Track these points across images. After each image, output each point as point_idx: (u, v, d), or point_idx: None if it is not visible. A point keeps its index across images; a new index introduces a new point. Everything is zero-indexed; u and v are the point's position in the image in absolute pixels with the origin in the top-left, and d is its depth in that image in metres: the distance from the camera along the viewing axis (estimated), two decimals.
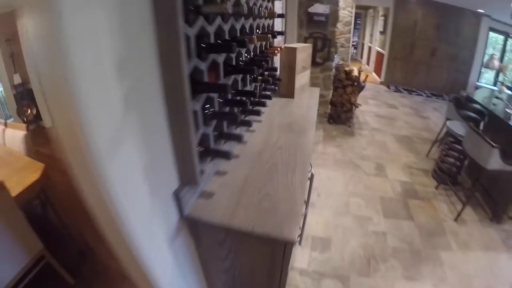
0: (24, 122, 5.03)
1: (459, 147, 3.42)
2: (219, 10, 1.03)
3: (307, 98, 2.51)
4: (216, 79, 1.19)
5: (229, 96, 1.31)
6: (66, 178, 0.78)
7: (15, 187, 2.13)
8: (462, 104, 4.13)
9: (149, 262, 0.93)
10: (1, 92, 5.58)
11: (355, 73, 4.97)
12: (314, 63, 4.72)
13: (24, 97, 5.48)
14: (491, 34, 7.05)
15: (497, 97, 4.33)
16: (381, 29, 9.39)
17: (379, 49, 9.59)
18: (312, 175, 1.93)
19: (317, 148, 4.44)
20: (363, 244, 2.77)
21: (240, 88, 1.49)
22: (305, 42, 4.56)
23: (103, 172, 0.68)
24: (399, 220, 3.12)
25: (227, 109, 1.29)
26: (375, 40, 10.21)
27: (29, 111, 5.21)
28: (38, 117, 5.25)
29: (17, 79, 5.49)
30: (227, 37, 1.22)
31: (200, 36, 0.99)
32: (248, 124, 1.58)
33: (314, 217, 3.06)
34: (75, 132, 0.62)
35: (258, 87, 1.81)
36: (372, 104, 6.99)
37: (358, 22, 13.06)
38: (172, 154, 1.01)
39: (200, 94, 1.03)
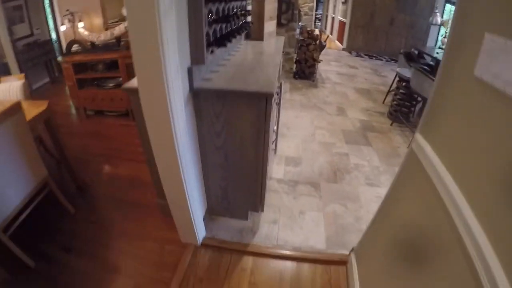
0: None
1: (408, 87, 4.09)
2: None
3: (274, 42, 3.15)
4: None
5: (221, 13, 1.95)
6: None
7: None
8: (412, 57, 4.88)
9: (173, 109, 1.47)
10: None
11: (316, 32, 5.61)
12: (279, 24, 5.27)
13: (0, 71, 5.54)
14: (447, 5, 7.65)
15: (440, 48, 5.17)
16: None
17: (341, 18, 10.22)
18: (281, 84, 2.58)
19: (284, 96, 5.04)
20: (329, 161, 3.30)
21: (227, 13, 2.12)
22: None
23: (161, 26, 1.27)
24: (359, 145, 3.68)
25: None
26: (338, 11, 10.85)
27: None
28: None
29: None
30: None
31: None
32: (233, 35, 2.17)
33: (286, 143, 3.62)
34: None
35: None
36: (334, 66, 7.65)
37: None
38: (188, 41, 1.63)
39: (207, 4, 1.65)
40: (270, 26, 3.22)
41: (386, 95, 5.15)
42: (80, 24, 4.54)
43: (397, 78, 4.61)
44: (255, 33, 3.03)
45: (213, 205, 2.30)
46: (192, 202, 1.89)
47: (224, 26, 2.02)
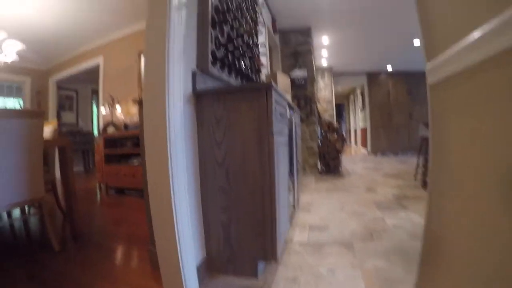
0: None
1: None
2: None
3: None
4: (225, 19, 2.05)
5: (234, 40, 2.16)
6: None
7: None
8: None
9: (168, 106, 1.46)
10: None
11: (336, 124, 5.84)
12: (300, 119, 5.56)
13: None
14: None
15: None
16: (361, 106, 10.62)
17: (362, 125, 10.68)
18: (288, 103, 2.62)
19: (309, 186, 4.93)
20: (362, 224, 2.85)
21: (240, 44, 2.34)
22: None
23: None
24: (395, 210, 3.28)
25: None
26: (358, 120, 11.41)
27: None
28: None
29: None
30: None
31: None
32: (242, 71, 2.35)
33: (310, 216, 3.21)
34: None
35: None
36: (360, 164, 7.64)
37: (344, 115, 14.55)
38: (196, 45, 1.81)
39: (215, 25, 1.88)
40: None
41: (416, 170, 4.97)
42: (118, 108, 5.03)
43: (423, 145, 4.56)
44: None
45: (212, 253, 1.89)
46: (183, 240, 1.52)
47: (235, 49, 2.21)
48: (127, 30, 5.21)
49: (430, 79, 1.28)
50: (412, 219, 2.96)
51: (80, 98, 7.61)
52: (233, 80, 2.28)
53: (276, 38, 5.31)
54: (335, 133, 5.70)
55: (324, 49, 7.08)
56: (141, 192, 4.28)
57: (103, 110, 5.34)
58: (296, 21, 5.27)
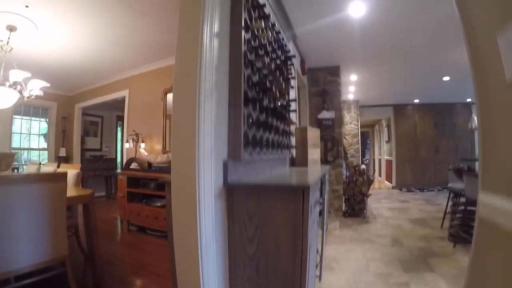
0: None
1: (463, 199, 3.80)
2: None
3: (319, 168, 3.18)
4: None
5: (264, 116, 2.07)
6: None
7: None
8: (462, 172, 4.66)
9: (201, 205, 1.45)
10: (46, 158, 6.63)
11: (363, 167, 5.65)
12: (326, 161, 5.44)
13: None
14: None
15: None
16: (386, 138, 10.37)
17: (387, 157, 10.38)
18: (322, 184, 2.49)
19: (334, 233, 4.78)
20: None
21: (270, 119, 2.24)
22: None
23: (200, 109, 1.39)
24: (420, 273, 3.14)
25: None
26: (383, 151, 11.12)
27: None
28: None
29: (62, 152, 6.59)
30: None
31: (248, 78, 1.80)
32: (273, 145, 2.24)
33: (335, 276, 3.12)
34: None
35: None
36: (385, 202, 7.33)
37: (368, 142, 14.26)
38: (227, 136, 1.71)
39: (247, 104, 1.79)
40: (314, 152, 3.32)
41: (443, 219, 4.77)
42: (142, 145, 5.03)
43: (451, 196, 4.37)
44: (299, 159, 3.11)
45: None
46: None
47: (266, 131, 2.11)
48: (152, 66, 5.25)
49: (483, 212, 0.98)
50: (437, 286, 2.81)
51: (104, 124, 7.70)
52: (265, 156, 2.18)
53: (304, 78, 5.21)
54: (361, 177, 5.51)
55: (352, 86, 6.94)
56: (164, 233, 4.23)
57: (127, 145, 5.34)
58: (324, 59, 5.16)
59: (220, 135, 1.63)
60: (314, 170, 2.94)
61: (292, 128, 3.30)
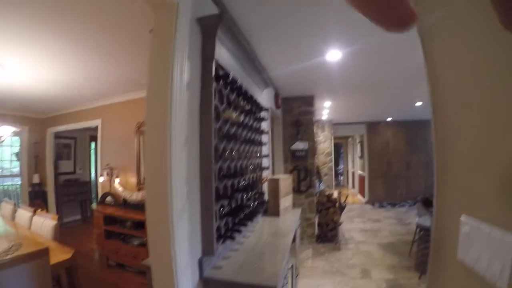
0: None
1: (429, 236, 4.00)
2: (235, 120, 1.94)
3: (290, 216, 3.31)
4: (227, 194, 2.04)
5: (234, 205, 2.14)
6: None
7: None
8: (430, 202, 4.90)
9: None
10: (19, 185, 6.51)
11: (335, 195, 5.82)
12: (299, 191, 5.60)
13: (38, 196, 6.34)
14: None
15: None
16: (359, 154, 10.65)
17: (360, 172, 10.68)
18: (293, 266, 2.60)
19: (306, 264, 4.93)
20: None
21: (239, 203, 2.33)
22: (290, 173, 5.48)
23: (172, 228, 1.46)
24: None
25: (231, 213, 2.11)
26: (356, 165, 11.43)
27: (39, 210, 5.65)
28: None
29: (36, 179, 6.46)
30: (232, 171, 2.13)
31: (220, 169, 1.88)
32: (245, 224, 2.36)
33: None
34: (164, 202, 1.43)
35: (252, 204, 2.65)
36: (358, 222, 7.58)
37: (341, 151, 14.55)
38: (200, 233, 1.78)
39: (218, 201, 1.87)
40: (286, 201, 3.43)
41: (411, 247, 5.02)
42: (117, 180, 5.00)
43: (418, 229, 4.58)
44: (272, 209, 3.21)
45: None
46: None
47: (235, 218, 2.19)
48: (123, 98, 5.23)
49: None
50: None
51: (78, 145, 7.56)
52: (239, 237, 2.27)
53: (279, 111, 5.32)
54: (333, 206, 5.69)
55: (326, 109, 7.11)
56: (143, 271, 4.24)
57: (101, 179, 5.30)
58: (299, 90, 5.26)
59: (194, 231, 1.71)
60: (286, 220, 3.09)
61: (264, 176, 3.41)
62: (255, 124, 2.84)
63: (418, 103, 6.66)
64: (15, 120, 6.13)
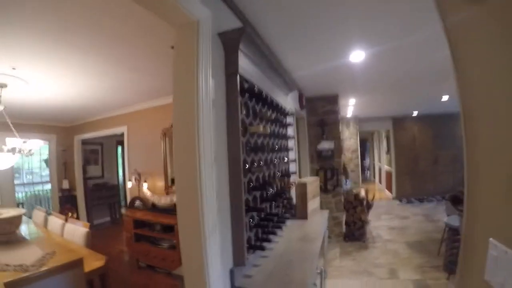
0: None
1: (459, 236, 3.87)
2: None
3: (318, 218, 3.29)
4: (256, 205, 2.06)
5: (263, 215, 2.16)
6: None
7: None
8: (459, 199, 4.73)
9: None
10: (49, 191, 6.78)
11: (362, 194, 5.75)
12: (326, 190, 5.56)
13: (68, 201, 6.54)
14: None
15: None
16: (385, 150, 10.45)
17: (387, 168, 10.48)
18: (321, 270, 2.60)
19: (333, 263, 4.90)
20: None
21: (269, 211, 2.34)
22: (316, 174, 5.48)
23: (205, 244, 1.49)
24: None
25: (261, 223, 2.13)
26: (382, 160, 11.22)
27: (70, 214, 5.80)
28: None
29: (65, 184, 6.68)
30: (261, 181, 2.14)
31: (249, 181, 1.90)
32: (274, 233, 2.37)
33: None
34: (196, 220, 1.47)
35: (280, 211, 2.66)
36: (385, 219, 7.43)
37: (367, 145, 14.31)
38: (231, 245, 1.81)
39: (248, 213, 1.89)
40: (313, 203, 3.41)
41: (440, 246, 4.88)
42: (145, 185, 5.12)
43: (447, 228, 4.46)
44: (299, 212, 3.20)
45: None
46: None
47: (265, 228, 2.20)
48: (148, 104, 5.33)
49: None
50: None
51: (105, 150, 7.79)
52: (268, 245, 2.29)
53: (303, 111, 5.29)
54: (361, 205, 5.62)
55: (350, 106, 7.01)
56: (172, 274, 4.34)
57: (130, 184, 5.44)
58: (323, 90, 5.21)
59: (225, 243, 1.74)
60: (314, 223, 3.07)
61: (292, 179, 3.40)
62: (281, 131, 2.84)
63: (445, 98, 6.46)
64: (43, 130, 6.41)
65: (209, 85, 1.57)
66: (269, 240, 2.17)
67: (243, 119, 1.87)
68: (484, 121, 0.99)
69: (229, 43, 1.80)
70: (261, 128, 2.00)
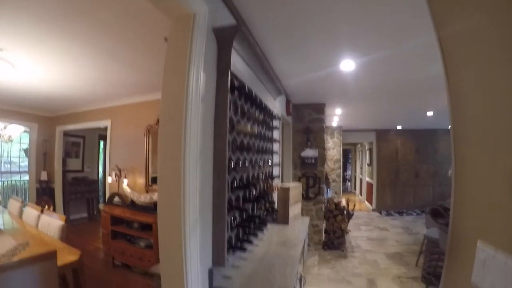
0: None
1: (438, 248, 3.96)
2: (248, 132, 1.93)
3: (299, 224, 3.28)
4: (239, 205, 2.03)
5: (245, 216, 2.13)
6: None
7: None
8: (439, 213, 4.83)
9: None
10: (27, 181, 6.60)
11: (343, 203, 5.78)
12: (307, 198, 5.57)
13: (45, 193, 6.39)
14: None
15: None
16: (368, 161, 10.58)
17: (368, 179, 10.60)
18: (301, 276, 2.58)
19: (312, 271, 4.90)
20: None
21: (251, 213, 2.31)
22: (299, 181, 5.48)
23: (185, 240, 1.45)
24: None
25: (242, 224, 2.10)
26: (364, 172, 11.34)
27: (46, 206, 5.55)
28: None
29: (43, 176, 6.52)
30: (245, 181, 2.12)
31: (233, 180, 1.87)
32: (255, 234, 2.34)
33: None
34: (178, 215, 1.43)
35: (262, 213, 2.64)
36: (365, 230, 7.51)
37: (350, 157, 14.46)
38: (211, 244, 1.78)
39: (230, 212, 1.86)
40: (295, 209, 3.40)
41: (418, 257, 4.98)
42: (125, 181, 5.02)
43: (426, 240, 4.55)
44: (281, 217, 3.18)
45: None
46: None
47: (246, 229, 2.18)
48: (133, 99, 5.26)
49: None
50: None
51: (86, 144, 7.62)
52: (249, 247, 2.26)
53: (289, 117, 5.30)
54: (341, 214, 5.65)
55: (336, 116, 7.08)
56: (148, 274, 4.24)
57: (109, 179, 5.32)
58: (310, 98, 5.25)
59: (205, 241, 1.71)
60: (295, 229, 3.05)
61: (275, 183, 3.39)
62: (267, 133, 2.83)
63: (429, 113, 6.60)
64: (25, 118, 6.22)
65: (200, 79, 1.55)
66: (250, 241, 2.15)
67: (231, 117, 1.85)
68: (474, 124, 1.00)
69: (224, 39, 1.78)
70: (248, 128, 1.99)
